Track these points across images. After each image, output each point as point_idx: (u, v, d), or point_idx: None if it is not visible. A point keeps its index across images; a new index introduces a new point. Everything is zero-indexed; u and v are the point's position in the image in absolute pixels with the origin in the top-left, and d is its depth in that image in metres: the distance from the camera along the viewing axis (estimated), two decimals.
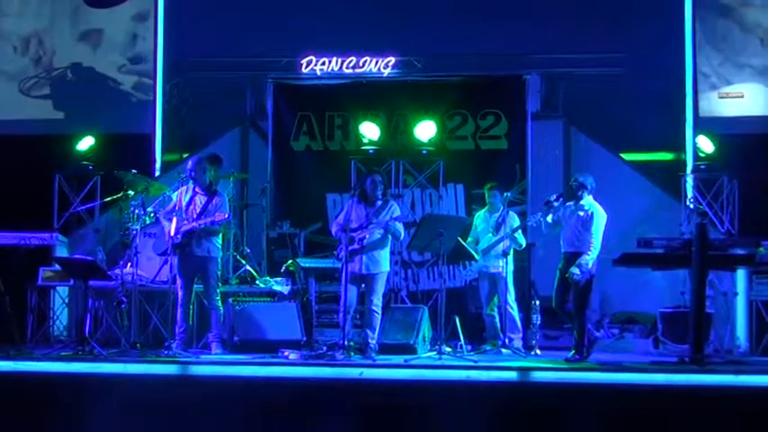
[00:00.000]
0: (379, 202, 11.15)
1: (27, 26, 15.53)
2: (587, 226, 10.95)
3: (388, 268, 11.28)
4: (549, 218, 11.25)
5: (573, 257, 10.98)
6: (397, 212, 11.17)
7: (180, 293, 11.31)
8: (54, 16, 15.42)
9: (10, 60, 15.53)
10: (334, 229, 11.36)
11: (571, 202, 11.20)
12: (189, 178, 11.48)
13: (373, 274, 11.06)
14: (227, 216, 11.39)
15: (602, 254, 11.30)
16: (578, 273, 10.85)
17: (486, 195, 12.38)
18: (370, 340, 11.06)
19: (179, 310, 11.30)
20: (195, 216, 11.26)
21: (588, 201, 11.10)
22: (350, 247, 10.95)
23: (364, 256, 10.99)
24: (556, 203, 11.15)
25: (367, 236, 10.98)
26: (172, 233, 11.16)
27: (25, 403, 8.92)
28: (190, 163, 11.56)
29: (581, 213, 11.02)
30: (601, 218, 11.01)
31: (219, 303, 11.50)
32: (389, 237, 11.12)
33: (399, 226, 11.11)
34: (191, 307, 11.42)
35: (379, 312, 11.19)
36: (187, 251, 11.24)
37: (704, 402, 8.59)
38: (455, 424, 8.53)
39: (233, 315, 11.92)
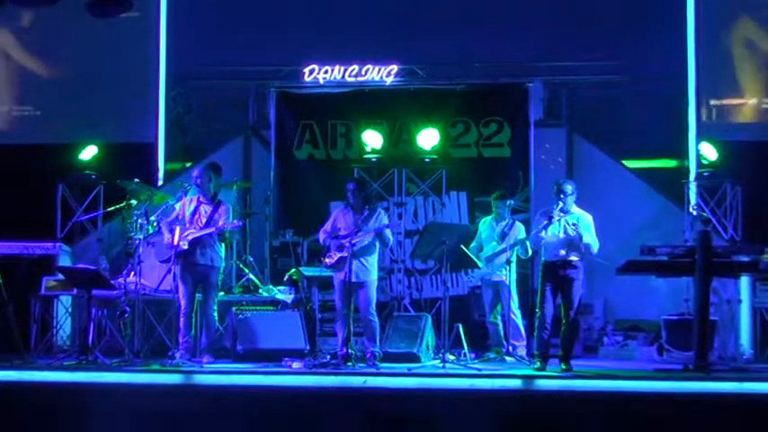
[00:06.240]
0: (367, 210, 11.21)
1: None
2: (581, 233, 10.84)
3: (376, 276, 11.38)
4: (544, 233, 11.02)
5: (562, 264, 10.85)
6: (385, 220, 11.27)
7: (183, 302, 11.30)
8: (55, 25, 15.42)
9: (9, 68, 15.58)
10: (321, 237, 11.46)
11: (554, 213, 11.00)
12: (195, 186, 11.48)
13: (363, 282, 11.14)
14: (239, 224, 11.55)
15: (604, 261, 11.26)
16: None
17: (492, 205, 12.35)
18: (371, 348, 11.10)
19: (182, 320, 11.29)
20: (202, 225, 11.26)
21: (574, 208, 11.01)
22: (339, 255, 11.02)
23: (354, 264, 11.04)
24: (563, 215, 10.96)
25: (356, 243, 11.01)
26: (174, 243, 11.17)
27: (28, 413, 8.90)
28: (196, 171, 11.58)
29: (570, 221, 10.89)
30: (591, 220, 10.96)
31: (216, 314, 11.48)
32: (377, 244, 11.19)
33: (388, 232, 11.18)
34: (193, 316, 11.40)
35: (376, 319, 11.27)
36: (190, 260, 11.25)
37: (709, 410, 8.56)
38: None
39: (236, 324, 11.89)
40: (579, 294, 10.85)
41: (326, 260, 11.32)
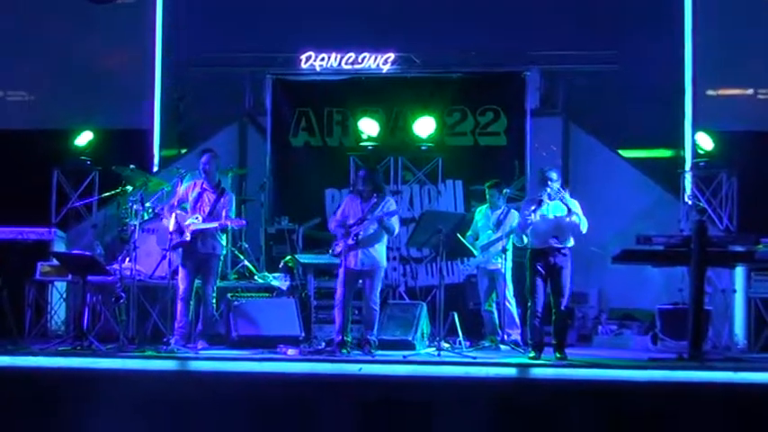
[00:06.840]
0: (375, 198, 11.17)
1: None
2: (573, 217, 10.83)
3: (384, 264, 11.31)
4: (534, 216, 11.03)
5: (551, 251, 10.81)
6: (393, 207, 11.19)
7: (182, 286, 11.27)
8: (51, 10, 15.37)
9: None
10: (331, 225, 11.40)
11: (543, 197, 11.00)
12: (201, 172, 11.42)
13: (369, 270, 11.09)
14: (244, 222, 11.67)
15: (599, 250, 11.24)
16: None
17: (487, 193, 12.34)
18: (368, 337, 11.09)
19: (179, 305, 11.26)
20: (206, 214, 11.24)
21: (564, 194, 10.99)
22: (345, 243, 11.01)
23: (360, 252, 11.02)
24: (550, 201, 10.96)
25: (362, 231, 11.00)
26: (171, 228, 11.16)
27: (23, 398, 8.91)
28: (204, 157, 11.48)
29: (562, 206, 10.87)
30: (578, 204, 10.92)
31: (214, 302, 11.48)
32: (384, 231, 11.15)
33: (394, 220, 11.13)
34: (191, 302, 11.39)
35: (377, 308, 11.22)
36: (191, 247, 11.22)
37: (702, 399, 8.61)
38: (454, 420, 8.54)
39: (231, 311, 11.89)
40: (569, 282, 10.84)
41: (335, 248, 11.25)
